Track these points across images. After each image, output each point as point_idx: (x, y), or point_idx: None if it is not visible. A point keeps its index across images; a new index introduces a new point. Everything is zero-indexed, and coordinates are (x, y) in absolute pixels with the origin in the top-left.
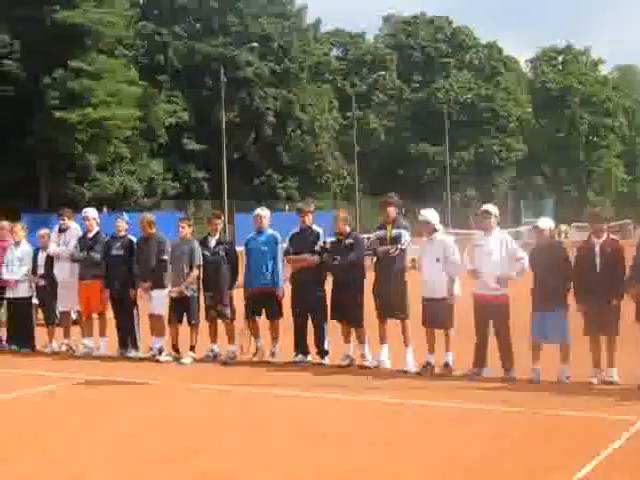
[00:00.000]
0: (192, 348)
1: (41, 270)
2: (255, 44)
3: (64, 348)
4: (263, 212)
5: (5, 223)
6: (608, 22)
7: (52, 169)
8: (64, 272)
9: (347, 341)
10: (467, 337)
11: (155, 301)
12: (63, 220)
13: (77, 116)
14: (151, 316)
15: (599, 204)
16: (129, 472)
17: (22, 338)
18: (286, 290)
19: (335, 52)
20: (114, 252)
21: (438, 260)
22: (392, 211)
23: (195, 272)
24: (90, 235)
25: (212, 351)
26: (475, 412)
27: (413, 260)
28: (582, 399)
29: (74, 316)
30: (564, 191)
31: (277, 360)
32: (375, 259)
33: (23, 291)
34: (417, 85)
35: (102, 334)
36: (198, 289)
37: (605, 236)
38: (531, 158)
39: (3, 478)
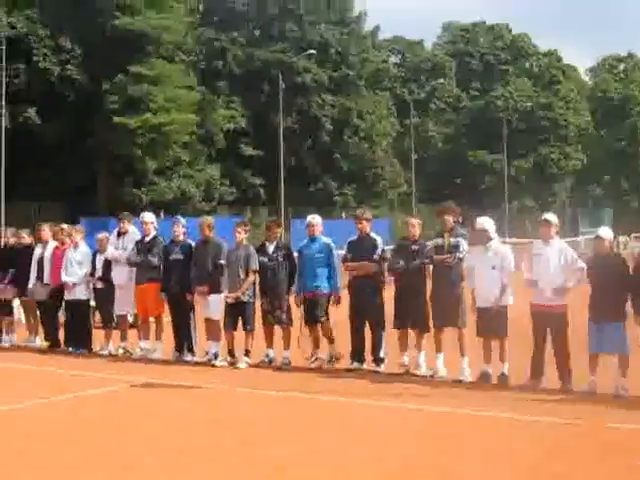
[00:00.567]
0: (247, 353)
1: (99, 273)
2: (313, 51)
3: (121, 351)
4: (315, 220)
5: (65, 226)
6: None
7: (110, 173)
8: (122, 276)
9: (404, 349)
10: (524, 348)
11: (212, 306)
12: (122, 224)
13: (136, 121)
14: (207, 321)
15: None
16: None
17: (79, 340)
18: (343, 298)
19: (393, 59)
20: (173, 256)
21: (493, 268)
22: (450, 219)
23: (251, 277)
24: (147, 239)
25: (267, 356)
26: (531, 424)
27: None
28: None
29: (131, 319)
30: (623, 201)
31: (333, 367)
32: (432, 267)
33: (81, 293)
34: (476, 93)
35: (158, 338)
36: (254, 294)
37: None
38: (590, 167)
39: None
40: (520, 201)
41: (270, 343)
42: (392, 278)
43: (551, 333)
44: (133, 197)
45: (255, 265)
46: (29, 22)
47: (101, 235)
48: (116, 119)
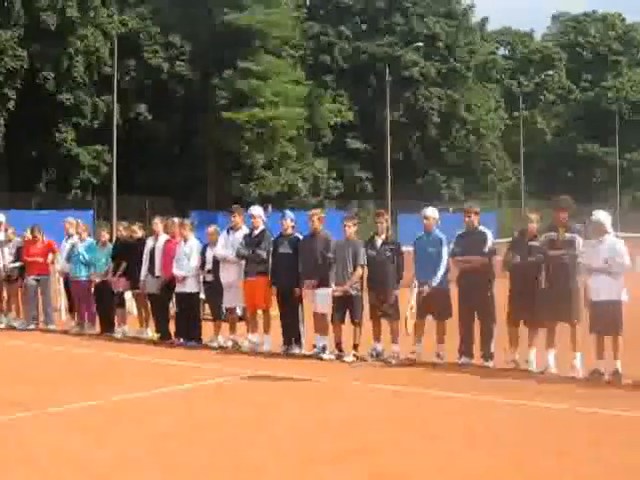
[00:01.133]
0: (355, 347)
1: (209, 266)
2: (421, 44)
3: (230, 343)
4: (433, 213)
5: (175, 219)
6: None
7: (219, 168)
8: (230, 275)
9: (514, 344)
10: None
11: (319, 299)
12: (234, 217)
13: (245, 116)
14: (315, 314)
15: None
16: (301, 469)
17: (189, 332)
18: (453, 292)
19: (502, 51)
20: (281, 250)
21: (606, 262)
22: (565, 214)
23: (359, 271)
24: (256, 233)
25: (375, 350)
26: None
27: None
28: None
29: (239, 312)
30: None
31: (442, 361)
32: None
33: (191, 286)
34: (587, 84)
35: (266, 331)
36: (361, 288)
37: None
38: None
39: (182, 467)
40: (633, 195)
41: (378, 337)
42: (506, 273)
43: None
44: (241, 192)
45: (363, 259)
46: (140, 19)
47: (211, 228)
48: (225, 114)
